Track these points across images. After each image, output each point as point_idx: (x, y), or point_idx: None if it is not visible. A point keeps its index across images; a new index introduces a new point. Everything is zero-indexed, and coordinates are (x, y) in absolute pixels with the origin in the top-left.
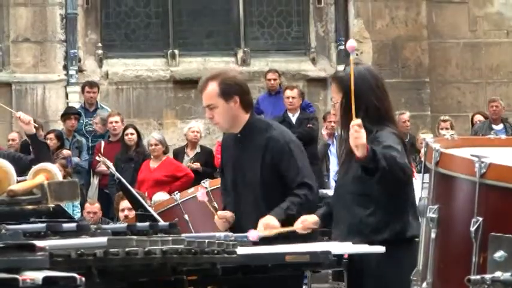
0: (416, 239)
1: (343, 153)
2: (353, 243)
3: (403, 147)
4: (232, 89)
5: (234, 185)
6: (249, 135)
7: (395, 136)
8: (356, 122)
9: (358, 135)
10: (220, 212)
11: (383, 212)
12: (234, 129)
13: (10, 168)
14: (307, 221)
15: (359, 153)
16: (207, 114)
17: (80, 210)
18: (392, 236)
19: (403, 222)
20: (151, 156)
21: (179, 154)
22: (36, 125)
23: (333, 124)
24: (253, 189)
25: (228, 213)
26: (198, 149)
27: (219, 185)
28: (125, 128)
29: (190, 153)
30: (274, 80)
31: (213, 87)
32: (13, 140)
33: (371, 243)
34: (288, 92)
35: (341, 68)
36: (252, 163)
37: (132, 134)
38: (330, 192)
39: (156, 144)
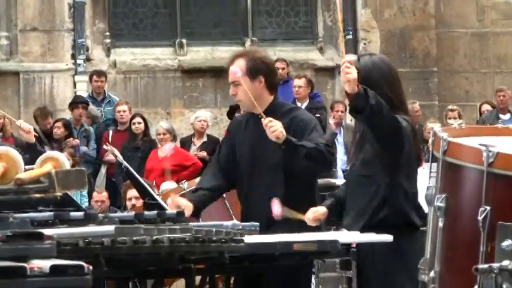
0: (423, 228)
1: (357, 139)
2: (360, 228)
3: (411, 131)
4: (259, 68)
5: (251, 166)
6: (272, 117)
7: (405, 121)
8: (347, 59)
9: (349, 70)
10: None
11: (383, 194)
12: (255, 109)
13: (18, 156)
14: (317, 212)
15: (349, 88)
16: (231, 90)
17: (87, 199)
18: (389, 217)
19: (402, 206)
20: (159, 145)
21: (186, 143)
22: (36, 134)
23: (340, 113)
24: (273, 171)
25: (184, 201)
26: (205, 138)
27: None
28: (132, 117)
29: (197, 142)
30: (282, 69)
31: (240, 64)
32: None
33: (371, 224)
34: (295, 81)
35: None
36: (274, 144)
37: (139, 123)
38: (338, 181)
39: (164, 134)
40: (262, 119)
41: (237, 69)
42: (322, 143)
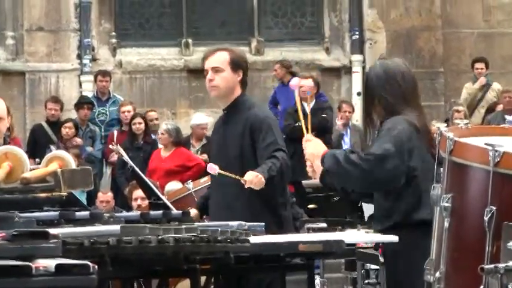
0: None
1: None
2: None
3: (414, 130)
4: (240, 62)
5: (216, 163)
6: (234, 112)
7: (404, 122)
8: (308, 152)
9: (310, 169)
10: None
11: (392, 199)
12: (225, 99)
13: (23, 155)
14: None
15: (315, 176)
16: (210, 76)
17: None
18: (398, 220)
19: (410, 205)
20: (160, 146)
21: (185, 144)
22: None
23: (347, 114)
24: (233, 165)
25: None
26: (204, 141)
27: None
28: (133, 117)
29: (196, 144)
30: (275, 70)
31: (224, 54)
32: None
33: (386, 228)
34: (301, 82)
35: (356, 57)
36: (233, 139)
37: (139, 123)
38: None
39: (162, 134)
40: (243, 183)
41: (222, 58)
42: (283, 152)
